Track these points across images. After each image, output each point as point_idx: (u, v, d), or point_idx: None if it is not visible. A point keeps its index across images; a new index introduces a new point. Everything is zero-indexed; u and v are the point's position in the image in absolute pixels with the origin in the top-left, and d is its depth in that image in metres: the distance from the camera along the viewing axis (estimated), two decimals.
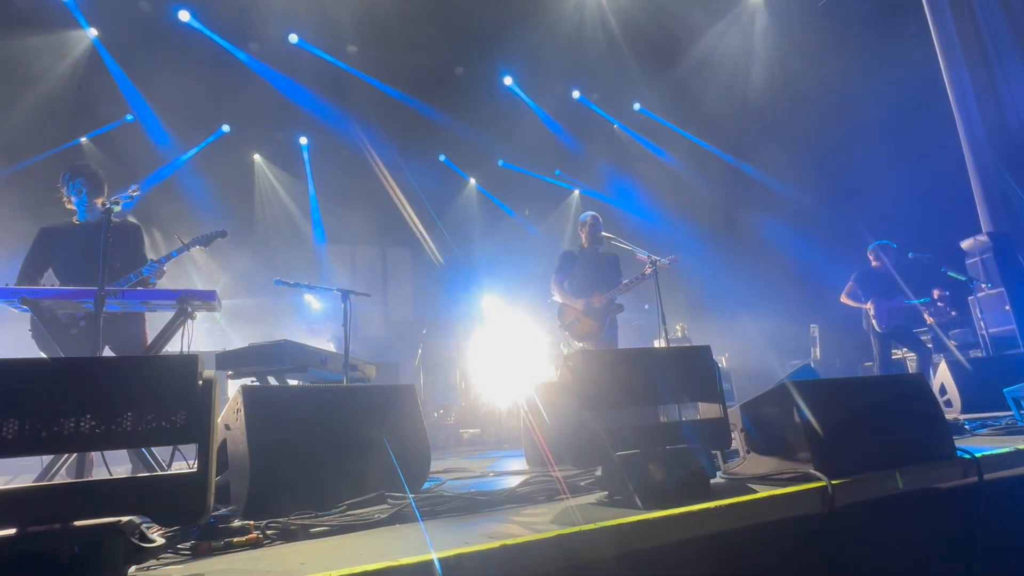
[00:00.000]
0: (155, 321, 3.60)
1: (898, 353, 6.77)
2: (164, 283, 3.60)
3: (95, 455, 2.98)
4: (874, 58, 8.06)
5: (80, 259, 3.41)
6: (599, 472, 1.85)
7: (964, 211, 6.64)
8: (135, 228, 3.79)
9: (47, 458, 2.83)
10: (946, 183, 7.00)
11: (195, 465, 1.28)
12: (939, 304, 6.27)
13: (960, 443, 2.04)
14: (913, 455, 1.88)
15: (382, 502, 1.89)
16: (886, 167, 8.00)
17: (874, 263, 6.32)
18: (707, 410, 1.92)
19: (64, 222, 3.59)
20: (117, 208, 2.95)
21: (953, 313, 6.41)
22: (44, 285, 3.37)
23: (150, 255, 3.65)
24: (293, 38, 8.08)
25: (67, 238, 3.51)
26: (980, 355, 5.86)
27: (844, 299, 6.40)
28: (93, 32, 7.53)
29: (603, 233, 5.06)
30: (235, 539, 1.47)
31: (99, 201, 3.54)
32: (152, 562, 1.32)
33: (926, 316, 6.21)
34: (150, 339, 3.42)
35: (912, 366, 6.58)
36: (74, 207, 3.54)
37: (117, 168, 7.95)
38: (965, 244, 6.32)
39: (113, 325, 3.35)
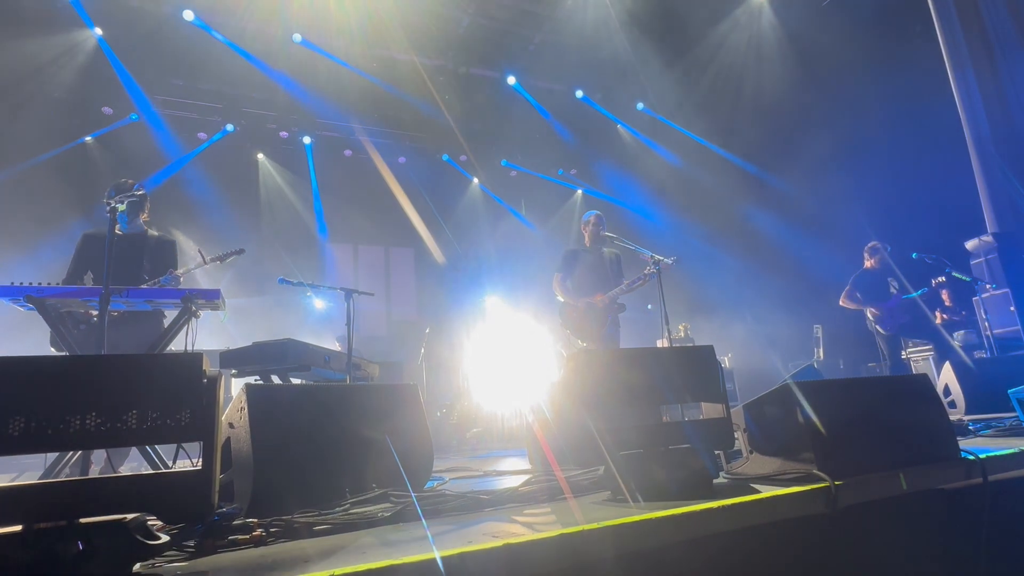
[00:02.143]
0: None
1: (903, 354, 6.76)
2: None
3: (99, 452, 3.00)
4: (879, 57, 8.03)
5: (116, 266, 3.49)
6: (602, 472, 1.85)
7: (969, 211, 6.61)
8: (170, 243, 3.95)
9: (52, 456, 2.85)
10: (951, 183, 6.98)
11: (199, 463, 1.29)
12: (948, 304, 6.24)
13: (964, 444, 2.03)
14: (917, 456, 1.88)
15: (385, 501, 1.90)
16: (891, 167, 7.98)
17: (867, 263, 6.34)
18: (710, 410, 1.92)
19: (105, 231, 3.71)
20: (122, 208, 2.99)
21: (964, 312, 6.39)
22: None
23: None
24: (297, 37, 8.09)
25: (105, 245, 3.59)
26: (984, 356, 5.84)
27: (843, 302, 6.40)
28: (98, 31, 7.56)
29: (606, 232, 5.06)
30: (239, 537, 1.48)
31: (142, 217, 3.82)
32: (156, 559, 1.33)
33: (938, 314, 6.19)
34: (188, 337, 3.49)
35: (915, 367, 6.57)
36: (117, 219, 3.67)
37: (122, 167, 7.97)
38: (970, 244, 6.30)
39: (133, 325, 3.39)
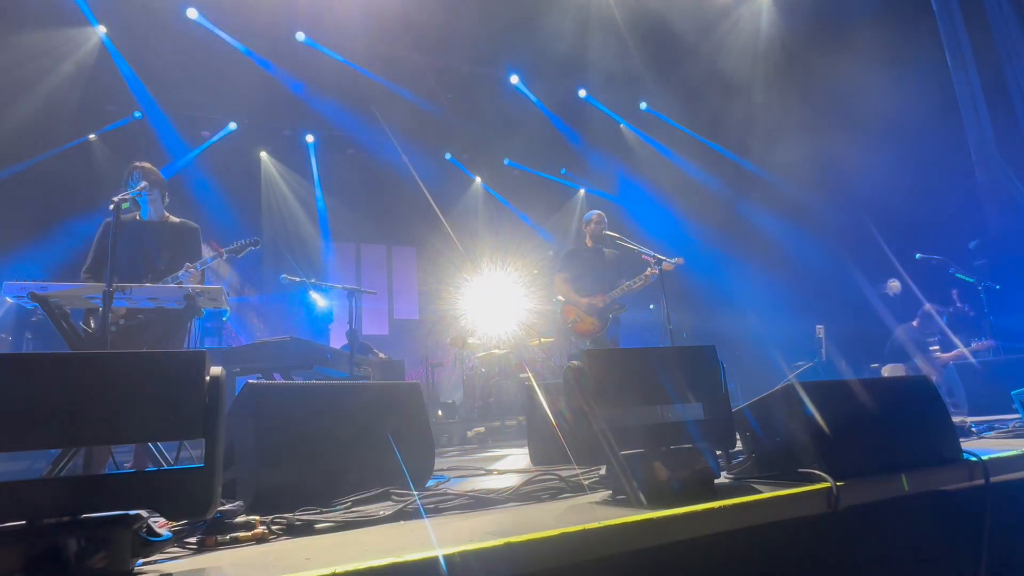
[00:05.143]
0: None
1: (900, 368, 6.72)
2: None
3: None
4: (883, 57, 8.01)
5: (134, 254, 3.48)
6: (603, 471, 1.85)
7: (973, 212, 6.59)
8: (193, 230, 3.86)
9: (55, 452, 2.85)
10: (955, 183, 6.96)
11: (202, 460, 1.29)
12: (958, 304, 6.22)
13: (967, 445, 2.02)
14: (919, 457, 1.88)
15: (387, 499, 1.90)
16: (894, 167, 7.95)
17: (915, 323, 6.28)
18: (712, 410, 1.92)
19: (127, 217, 3.69)
20: (125, 206, 3.00)
21: (972, 313, 6.37)
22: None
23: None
24: (300, 36, 8.10)
25: (125, 234, 3.59)
26: (987, 357, 5.83)
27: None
28: (102, 29, 7.57)
29: (608, 232, 5.06)
30: (241, 534, 1.48)
31: (164, 202, 3.81)
32: (159, 556, 1.33)
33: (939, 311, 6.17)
34: (188, 336, 3.47)
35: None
36: (138, 204, 3.68)
37: (125, 165, 7.97)
38: (973, 245, 6.29)
39: (146, 327, 3.38)
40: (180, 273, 3.42)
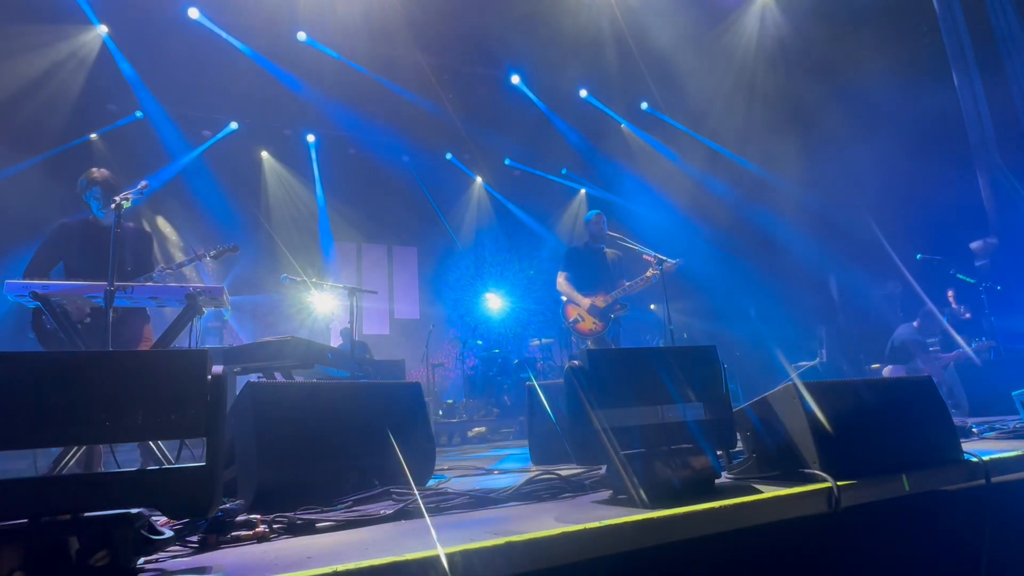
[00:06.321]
0: (158, 319, 3.70)
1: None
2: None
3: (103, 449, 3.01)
4: (885, 57, 8.00)
5: (92, 256, 3.48)
6: (604, 471, 1.85)
7: (974, 212, 6.58)
8: (147, 236, 3.94)
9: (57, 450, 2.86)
10: (956, 183, 6.95)
11: (203, 459, 1.29)
12: (953, 305, 6.20)
13: (967, 446, 2.03)
14: (920, 458, 1.88)
15: (387, 498, 1.91)
16: (895, 167, 7.95)
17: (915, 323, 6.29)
18: (713, 410, 1.92)
19: (81, 219, 3.69)
20: (127, 205, 2.99)
21: (968, 314, 6.36)
22: (52, 279, 3.45)
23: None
24: (301, 36, 8.11)
25: (82, 234, 3.59)
26: (988, 357, 5.83)
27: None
28: (103, 29, 7.58)
29: (609, 232, 5.06)
30: (242, 533, 1.49)
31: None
32: (160, 554, 1.33)
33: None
34: (154, 338, 3.48)
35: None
36: (90, 207, 3.70)
37: (126, 164, 7.99)
38: (974, 246, 6.28)
39: (114, 326, 3.38)
40: (154, 274, 3.43)
